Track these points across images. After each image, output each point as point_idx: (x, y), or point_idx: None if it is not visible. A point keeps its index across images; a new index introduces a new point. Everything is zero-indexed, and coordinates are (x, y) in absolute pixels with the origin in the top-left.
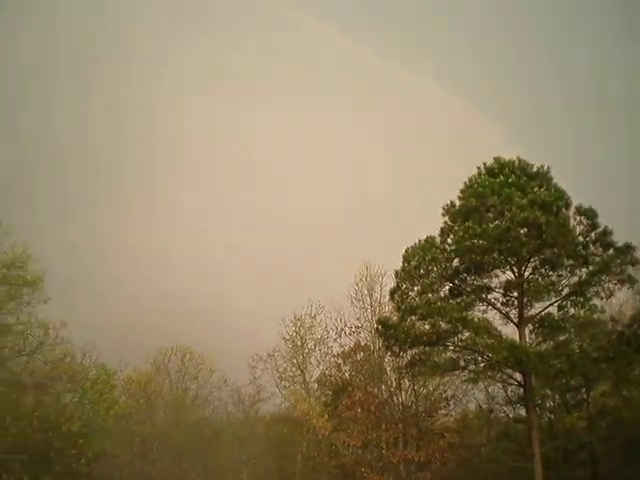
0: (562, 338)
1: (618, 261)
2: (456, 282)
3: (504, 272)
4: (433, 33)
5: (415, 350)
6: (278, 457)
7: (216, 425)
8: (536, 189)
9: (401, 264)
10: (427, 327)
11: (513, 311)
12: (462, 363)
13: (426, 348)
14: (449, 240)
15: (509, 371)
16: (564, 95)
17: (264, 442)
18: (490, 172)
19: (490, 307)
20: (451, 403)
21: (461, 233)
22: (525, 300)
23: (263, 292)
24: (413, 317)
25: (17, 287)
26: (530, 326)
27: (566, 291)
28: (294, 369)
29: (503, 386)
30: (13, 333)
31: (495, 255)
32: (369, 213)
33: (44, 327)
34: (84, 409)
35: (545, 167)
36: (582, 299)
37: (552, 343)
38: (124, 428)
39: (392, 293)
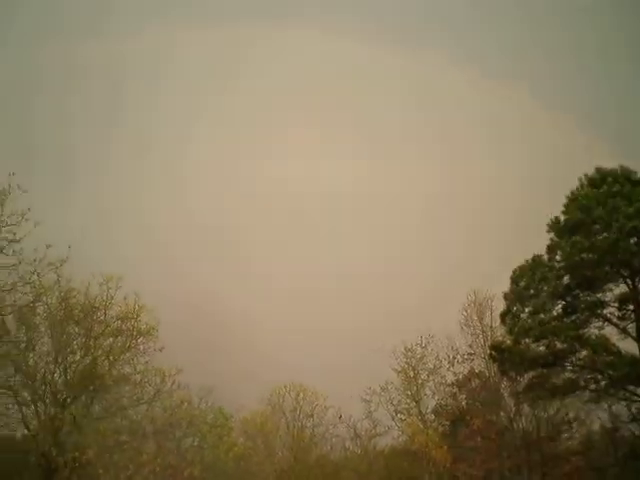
0: None
1: None
2: (568, 300)
3: (617, 285)
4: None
5: (532, 373)
6: None
7: (335, 461)
8: None
9: (510, 286)
10: (542, 348)
11: (631, 325)
12: (582, 383)
13: (543, 370)
14: (557, 257)
15: (632, 387)
16: None
17: (385, 476)
18: (592, 183)
19: (606, 323)
20: (574, 425)
21: (568, 249)
22: None
23: (372, 324)
24: (527, 339)
25: (132, 337)
26: None
27: None
28: (409, 401)
29: (627, 403)
30: (131, 382)
31: (607, 268)
32: (473, 236)
33: (160, 375)
34: (204, 453)
35: None
36: None
37: None
38: (244, 469)
39: (503, 316)
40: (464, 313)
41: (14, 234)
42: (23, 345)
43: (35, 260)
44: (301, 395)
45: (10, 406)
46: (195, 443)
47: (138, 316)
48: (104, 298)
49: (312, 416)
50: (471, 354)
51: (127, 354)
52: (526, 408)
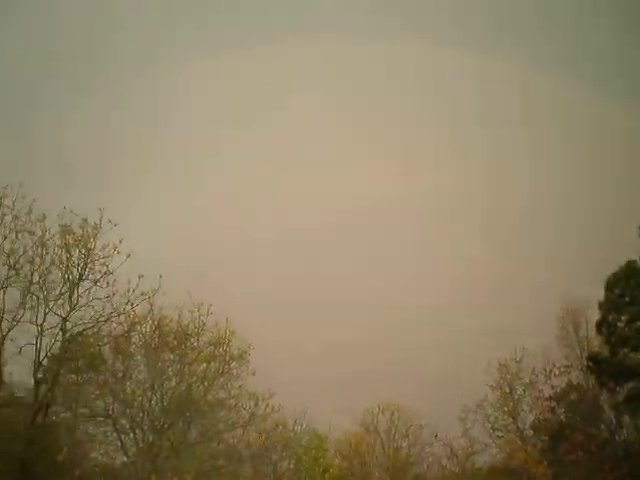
0: None
1: None
2: None
3: None
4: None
5: (631, 383)
6: None
7: None
8: None
9: (604, 294)
10: None
11: None
12: None
13: None
14: None
15: None
16: None
17: None
18: None
19: None
20: None
21: None
22: None
23: (463, 340)
24: (625, 349)
25: (225, 362)
26: None
27: None
28: (506, 417)
29: None
30: (226, 407)
31: None
32: (564, 245)
33: (254, 398)
34: (301, 475)
35: None
36: None
37: None
38: None
39: (599, 326)
40: (558, 324)
41: (107, 266)
42: (120, 374)
43: (128, 291)
44: (396, 415)
45: (109, 434)
46: (291, 466)
47: (230, 341)
48: (196, 325)
49: (407, 436)
50: (568, 366)
51: (221, 379)
52: (627, 419)
